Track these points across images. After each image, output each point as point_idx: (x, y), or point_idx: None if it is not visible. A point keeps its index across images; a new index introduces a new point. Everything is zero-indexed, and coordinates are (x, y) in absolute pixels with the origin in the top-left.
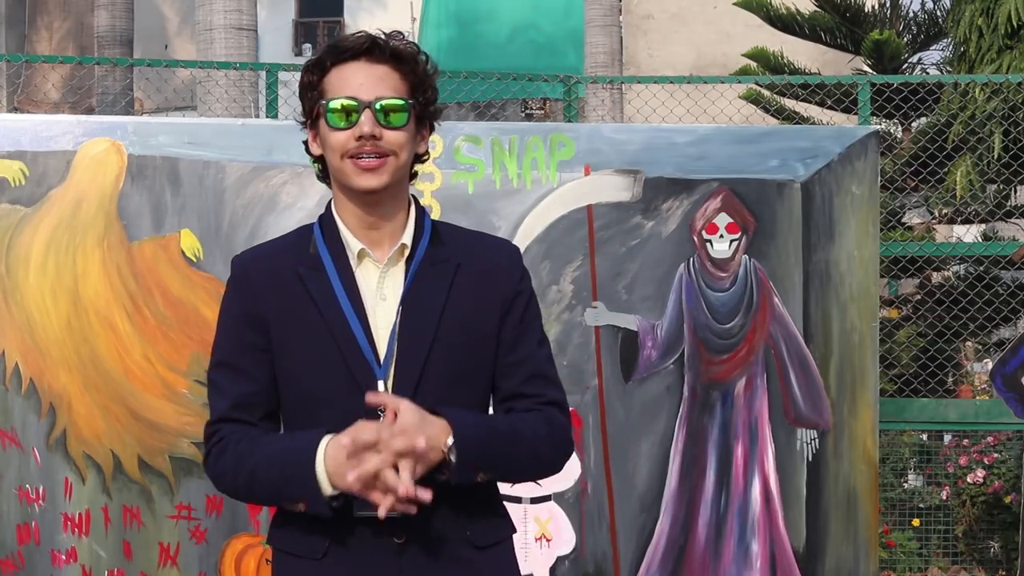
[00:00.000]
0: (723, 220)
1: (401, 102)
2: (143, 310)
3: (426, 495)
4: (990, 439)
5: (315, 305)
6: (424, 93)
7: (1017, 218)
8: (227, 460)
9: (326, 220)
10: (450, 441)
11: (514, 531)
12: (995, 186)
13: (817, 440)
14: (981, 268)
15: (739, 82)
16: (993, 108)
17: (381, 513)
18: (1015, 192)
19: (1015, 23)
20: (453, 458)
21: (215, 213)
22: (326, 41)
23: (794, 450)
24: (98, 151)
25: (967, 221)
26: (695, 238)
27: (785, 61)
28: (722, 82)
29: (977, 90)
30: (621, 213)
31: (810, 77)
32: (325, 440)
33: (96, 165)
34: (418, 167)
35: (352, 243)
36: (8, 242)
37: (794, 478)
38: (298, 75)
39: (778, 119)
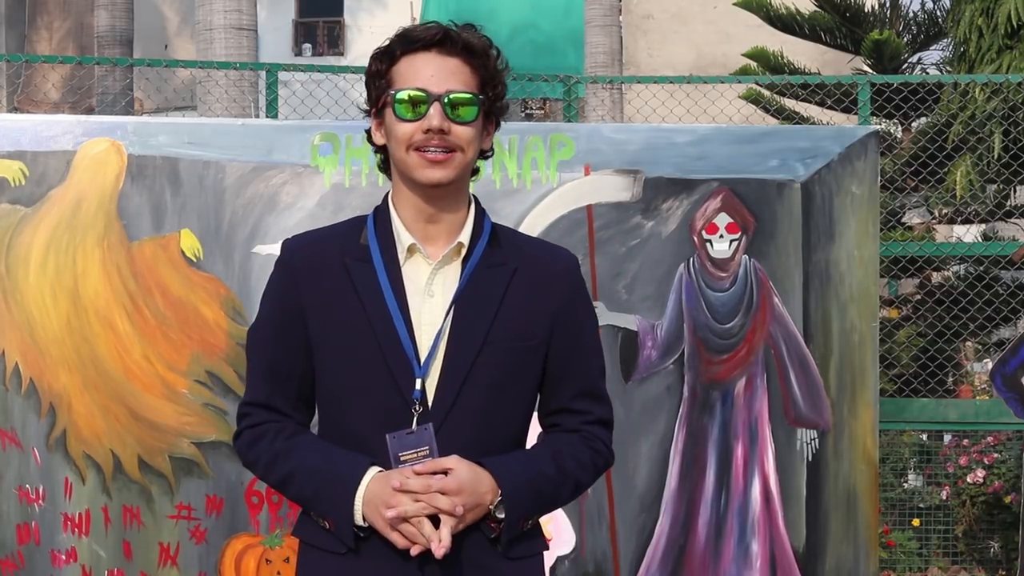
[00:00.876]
0: (723, 220)
1: (471, 96)
2: (143, 310)
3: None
4: (990, 439)
5: (358, 297)
6: (494, 88)
7: (1017, 218)
8: (261, 451)
9: (380, 212)
10: (498, 499)
11: (546, 547)
12: (995, 186)
13: (817, 440)
14: (981, 268)
15: (739, 82)
16: (993, 108)
17: (413, 552)
18: (1015, 192)
19: (1015, 23)
20: (501, 515)
21: (215, 213)
22: (326, 41)
23: (794, 450)
24: (98, 151)
25: (967, 221)
26: (695, 238)
27: (785, 61)
28: (722, 82)
29: (977, 90)
30: (621, 213)
31: (810, 77)
32: (370, 473)
33: (96, 165)
34: (480, 163)
35: (404, 237)
36: (8, 242)
37: (794, 478)
38: (298, 75)
39: (778, 119)
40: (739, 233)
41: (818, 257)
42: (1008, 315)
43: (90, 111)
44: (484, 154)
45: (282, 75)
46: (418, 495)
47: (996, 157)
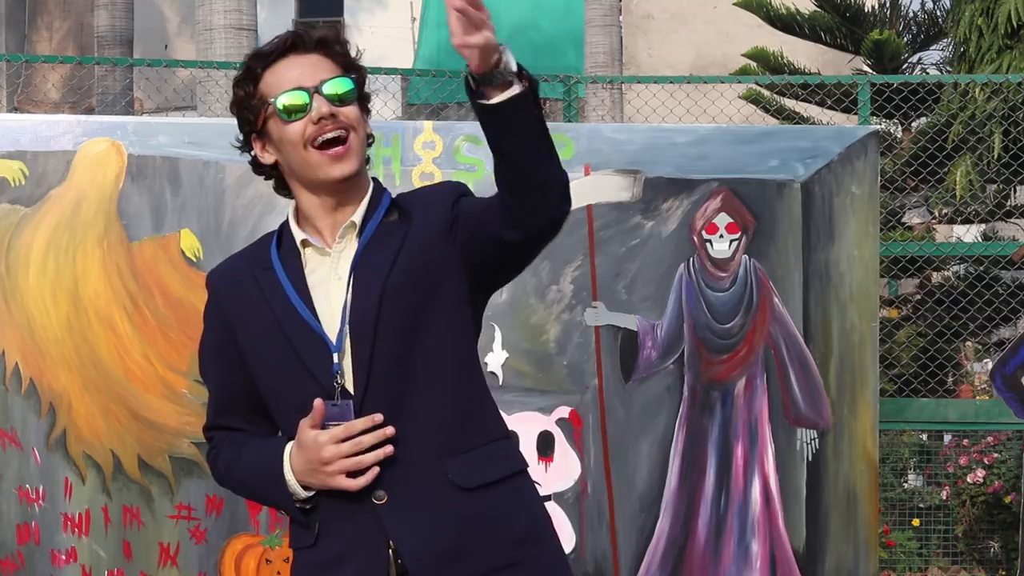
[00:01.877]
0: (723, 220)
1: (345, 79)
2: (143, 310)
3: (388, 450)
4: (990, 439)
5: (267, 302)
6: (358, 72)
7: (1017, 218)
8: (220, 467)
9: (284, 223)
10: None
11: (517, 469)
12: (995, 186)
13: (817, 440)
14: (981, 268)
15: (739, 82)
16: (993, 108)
17: (362, 481)
18: (1015, 192)
19: (1015, 23)
20: (507, 57)
21: (215, 213)
22: None
23: (794, 450)
24: (98, 151)
25: (967, 221)
26: (695, 238)
27: (785, 61)
28: (722, 82)
29: (977, 90)
30: (621, 213)
31: (810, 77)
32: (288, 447)
33: (96, 165)
34: (369, 152)
35: (296, 234)
36: (8, 242)
37: (794, 478)
38: None
39: (778, 119)
40: (739, 233)
41: (818, 257)
42: (1008, 315)
43: (90, 111)
44: (369, 139)
45: None
46: (343, 437)
47: (996, 157)
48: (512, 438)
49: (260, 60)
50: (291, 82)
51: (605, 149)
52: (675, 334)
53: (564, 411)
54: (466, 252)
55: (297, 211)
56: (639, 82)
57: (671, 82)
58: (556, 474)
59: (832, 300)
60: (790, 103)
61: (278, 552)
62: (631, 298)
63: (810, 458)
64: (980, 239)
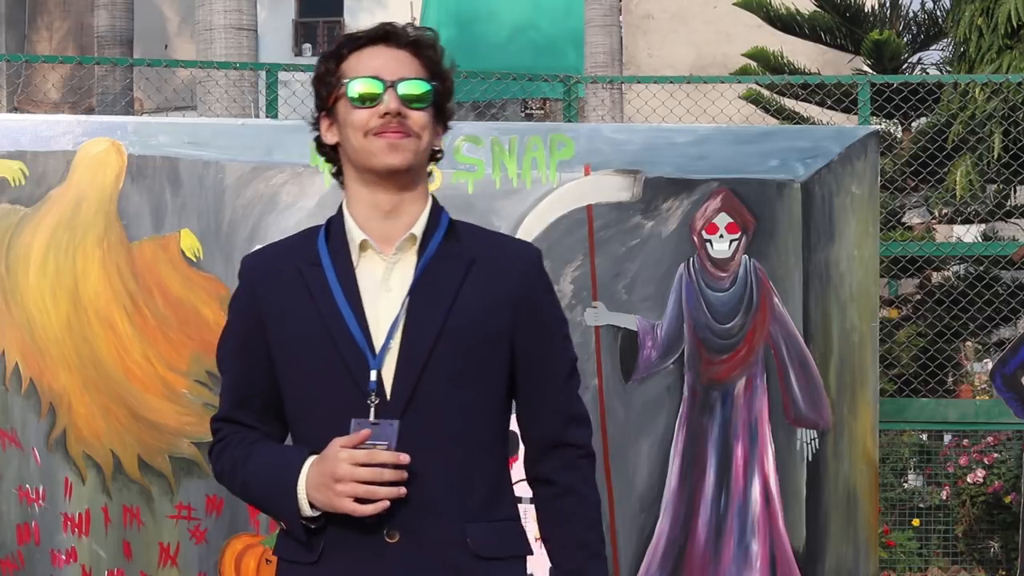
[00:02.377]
0: (723, 220)
1: (425, 83)
2: (143, 310)
3: (400, 491)
4: (990, 439)
5: (312, 300)
6: (443, 82)
7: (1017, 218)
8: (224, 463)
9: (335, 218)
10: None
11: (525, 552)
12: (995, 186)
13: (817, 440)
14: (981, 268)
15: (739, 82)
16: (993, 108)
17: (371, 510)
18: (1015, 192)
19: (1015, 23)
20: None
21: (215, 213)
22: (326, 41)
23: (794, 450)
24: (98, 151)
25: (967, 221)
26: (695, 238)
27: (785, 61)
28: (722, 82)
29: (977, 90)
30: (621, 213)
31: (810, 77)
32: (309, 461)
33: (96, 165)
34: (432, 167)
35: (355, 234)
36: (8, 242)
37: (794, 478)
38: (298, 75)
39: (778, 119)
40: (739, 233)
41: (818, 257)
42: (1008, 315)
43: (90, 111)
44: (435, 155)
45: (282, 75)
46: (364, 462)
47: (996, 157)
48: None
49: (350, 42)
50: (371, 70)
51: (605, 149)
52: (675, 334)
53: None
54: (511, 349)
55: (349, 206)
56: (639, 82)
57: (671, 82)
58: None
59: (832, 300)
60: (790, 103)
61: None
62: (631, 298)
63: (810, 458)
64: (980, 239)
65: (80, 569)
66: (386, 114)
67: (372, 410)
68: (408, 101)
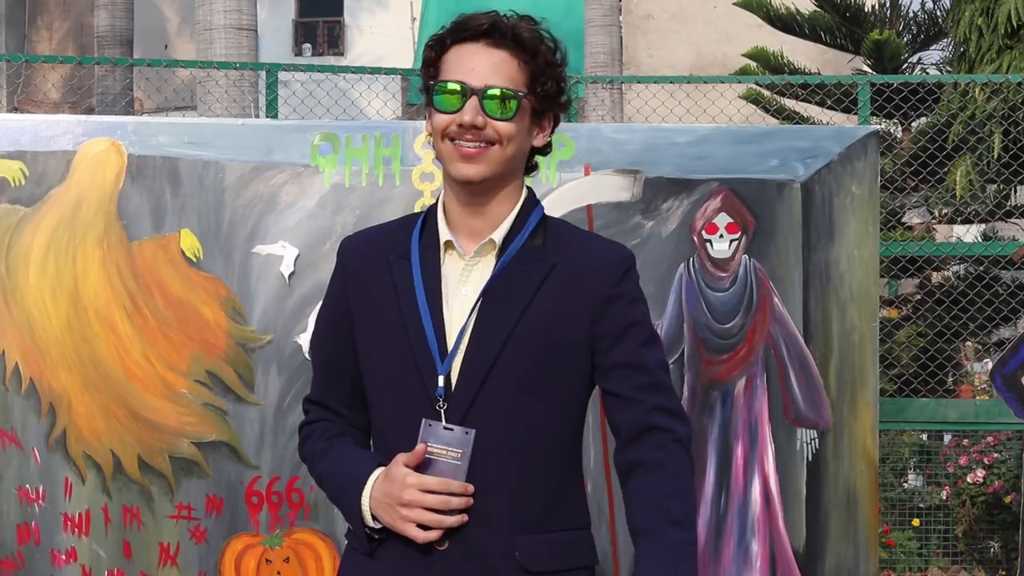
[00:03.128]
0: (723, 220)
1: (511, 93)
2: (143, 310)
3: (463, 518)
4: (990, 439)
5: (396, 294)
6: (544, 84)
7: (1017, 218)
8: (306, 452)
9: (432, 209)
10: None
11: (585, 564)
12: (995, 186)
13: (817, 440)
14: (981, 268)
15: (739, 82)
16: (993, 108)
17: (431, 536)
18: (1015, 192)
19: (1015, 23)
20: None
21: (215, 213)
22: (326, 41)
23: (794, 450)
24: (98, 151)
25: (967, 221)
26: (695, 238)
27: (785, 61)
28: (722, 82)
29: (977, 90)
30: (621, 213)
31: (810, 77)
32: (375, 474)
33: (96, 165)
34: (539, 159)
35: (442, 232)
36: (8, 242)
37: (794, 478)
38: (298, 75)
39: (778, 119)
40: (739, 233)
41: (818, 257)
42: (1008, 315)
43: (90, 111)
44: (540, 150)
45: (282, 75)
46: (434, 490)
47: (996, 157)
48: (590, 529)
49: (454, 33)
50: (460, 73)
51: (605, 149)
52: (675, 334)
53: None
54: (592, 353)
55: (444, 197)
56: (639, 82)
57: (671, 82)
58: None
59: (832, 300)
60: (790, 103)
61: (278, 552)
62: None
63: (810, 458)
64: (980, 239)
65: (80, 569)
66: (461, 124)
67: (443, 414)
68: (490, 112)
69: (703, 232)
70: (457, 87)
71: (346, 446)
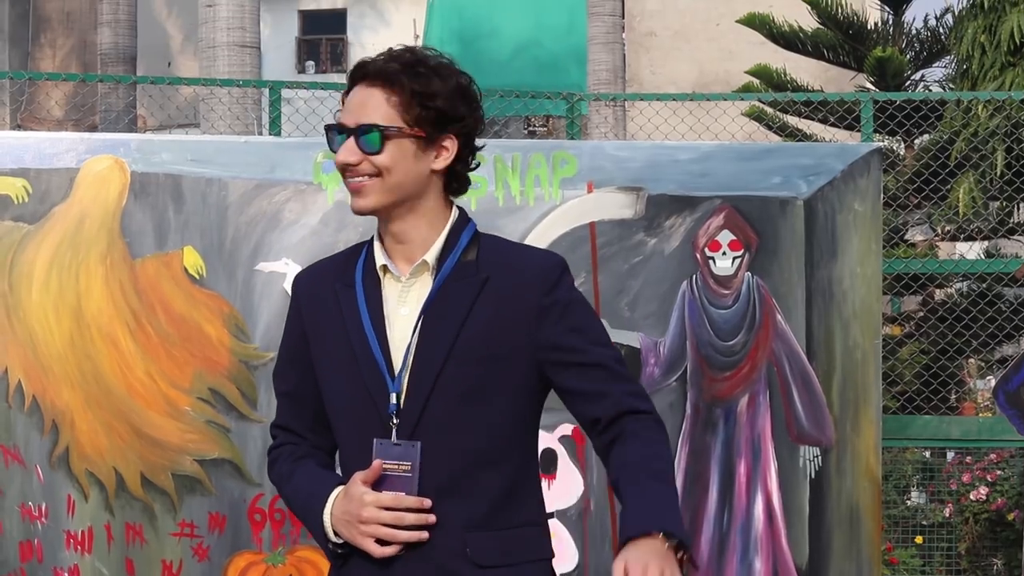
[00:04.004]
0: (726, 237)
1: (372, 127)
2: (146, 327)
3: (423, 535)
4: (993, 456)
5: (343, 321)
6: (411, 111)
7: (1020, 235)
8: (274, 475)
9: (373, 236)
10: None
11: (541, 557)
12: (998, 203)
13: (820, 457)
14: (984, 285)
15: (742, 99)
16: (996, 125)
17: (388, 552)
18: (1018, 209)
19: (1018, 40)
20: (687, 557)
21: (218, 230)
22: (329, 59)
23: (797, 467)
24: (101, 168)
25: (970, 238)
26: (698, 255)
27: (788, 78)
28: (725, 99)
29: (980, 107)
30: (624, 230)
31: (813, 94)
32: (335, 492)
33: (99, 182)
34: (481, 178)
35: (378, 258)
36: (11, 259)
37: (797, 495)
38: (301, 92)
39: (781, 136)
40: (742, 250)
41: (821, 274)
42: (1011, 332)
43: (93, 128)
44: (457, 172)
45: (285, 92)
46: (389, 506)
47: (999, 174)
48: (546, 524)
49: (350, 76)
50: (342, 114)
51: (608, 166)
52: (678, 351)
53: (567, 428)
54: (539, 363)
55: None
56: (642, 99)
57: (674, 99)
58: (559, 492)
59: (835, 317)
60: (793, 120)
61: (281, 570)
62: (634, 315)
63: (813, 475)
64: (983, 256)
65: None
66: (340, 164)
67: (394, 431)
68: (363, 147)
69: (706, 249)
70: (332, 129)
71: (308, 468)
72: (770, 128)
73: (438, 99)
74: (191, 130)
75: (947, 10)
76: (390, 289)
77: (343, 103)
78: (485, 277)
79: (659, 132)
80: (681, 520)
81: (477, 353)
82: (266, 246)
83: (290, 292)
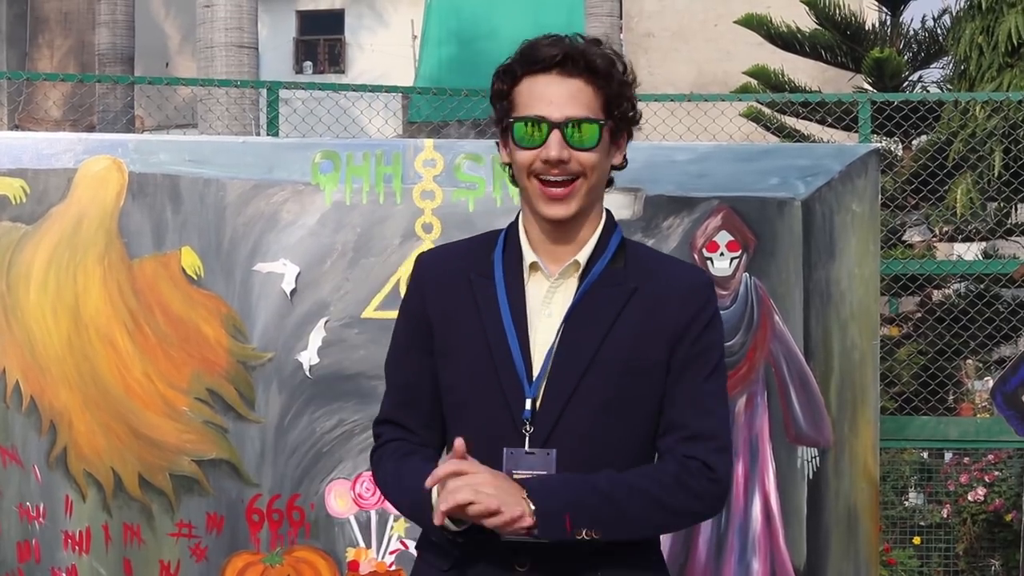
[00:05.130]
0: (724, 238)
1: (592, 122)
2: (144, 328)
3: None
4: (991, 457)
5: (478, 313)
6: (620, 106)
7: (1017, 236)
8: (380, 472)
9: (512, 227)
10: (524, 495)
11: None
12: (995, 204)
13: (818, 458)
14: (982, 286)
15: (739, 100)
16: (993, 126)
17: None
18: (1015, 210)
19: (1015, 41)
20: (533, 506)
21: (216, 231)
22: (327, 59)
23: (795, 468)
24: (99, 169)
25: (967, 239)
26: (696, 256)
27: (785, 79)
28: (722, 100)
29: (977, 108)
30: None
31: (810, 95)
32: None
33: (97, 183)
34: (614, 174)
35: (527, 254)
36: (9, 260)
37: (794, 496)
38: (299, 93)
39: (779, 137)
40: (740, 251)
41: (819, 275)
42: (1009, 333)
43: (91, 129)
44: (618, 167)
45: (283, 93)
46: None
47: (996, 175)
48: (658, 545)
49: (524, 64)
50: (538, 107)
51: None
52: None
53: None
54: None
55: (523, 219)
56: (640, 100)
57: (672, 100)
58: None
59: (833, 318)
60: (791, 121)
61: (279, 570)
62: None
63: (811, 476)
64: (981, 257)
65: None
66: (547, 160)
67: (527, 439)
68: (573, 143)
69: (704, 250)
70: (536, 121)
71: (416, 462)
72: (768, 129)
73: (632, 95)
74: (189, 131)
75: (945, 11)
76: (535, 288)
77: (510, 91)
78: (634, 287)
79: (657, 133)
80: (565, 501)
81: (620, 365)
82: (264, 247)
83: (287, 290)
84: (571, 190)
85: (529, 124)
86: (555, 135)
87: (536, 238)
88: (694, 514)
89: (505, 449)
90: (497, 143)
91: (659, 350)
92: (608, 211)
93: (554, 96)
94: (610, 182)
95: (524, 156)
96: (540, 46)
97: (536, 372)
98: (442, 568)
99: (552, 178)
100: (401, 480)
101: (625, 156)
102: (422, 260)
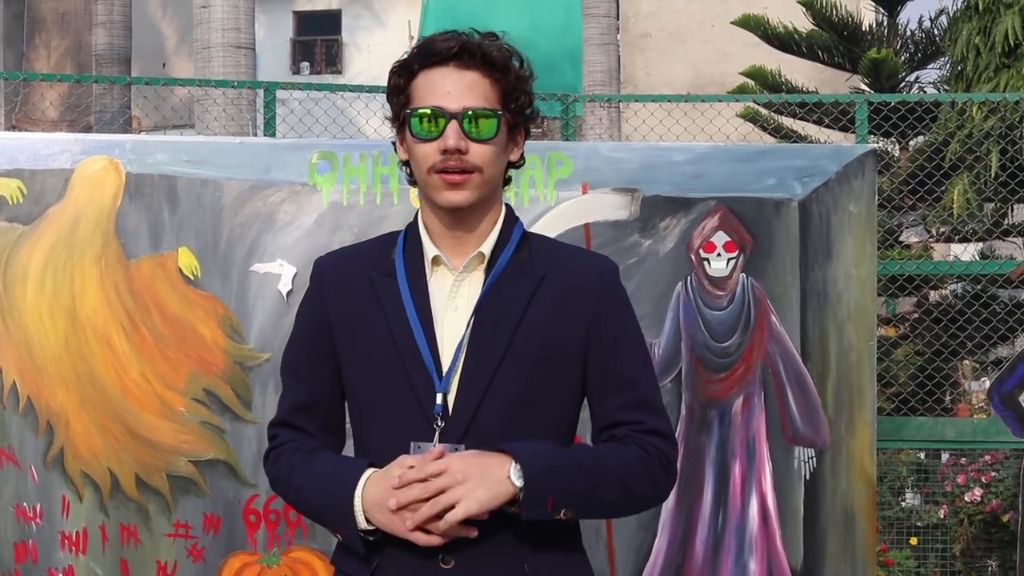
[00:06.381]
0: (720, 238)
1: (489, 112)
2: (140, 328)
3: (471, 532)
4: (988, 458)
5: (382, 312)
6: (517, 100)
7: (1014, 236)
8: (280, 469)
9: (411, 226)
10: (514, 470)
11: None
12: (992, 204)
13: (814, 458)
14: (979, 287)
15: (736, 100)
16: (990, 127)
17: (423, 541)
18: (1012, 210)
19: (1012, 42)
20: (520, 484)
21: (213, 231)
22: (324, 60)
23: (791, 468)
24: (96, 169)
25: (964, 239)
26: (692, 256)
27: (782, 79)
28: (719, 100)
29: (974, 109)
30: (618, 232)
31: (807, 95)
32: (367, 474)
33: (94, 183)
34: (511, 172)
35: (428, 248)
36: (6, 260)
37: (791, 496)
38: (296, 93)
39: (775, 137)
40: (737, 251)
41: (815, 275)
42: (1005, 334)
43: (88, 129)
44: (515, 164)
45: (280, 93)
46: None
47: (993, 175)
48: (580, 532)
49: (421, 58)
50: (434, 98)
51: (603, 167)
52: (672, 353)
53: None
54: (584, 370)
55: (423, 215)
56: (637, 100)
57: (669, 100)
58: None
59: (830, 318)
60: (787, 121)
61: (275, 571)
62: None
63: (808, 476)
64: (977, 258)
65: None
66: (445, 150)
67: (437, 434)
68: (471, 134)
69: (700, 250)
70: (434, 112)
71: (328, 455)
72: (765, 129)
73: (529, 89)
74: (186, 131)
75: (942, 11)
76: (439, 282)
77: (407, 85)
78: (541, 275)
79: (654, 133)
80: (548, 468)
81: (533, 353)
82: (261, 247)
83: (284, 291)
84: (468, 178)
85: (426, 117)
86: (452, 125)
87: (437, 231)
88: (648, 502)
89: (412, 443)
90: (394, 142)
91: (575, 339)
92: (508, 204)
93: (451, 87)
94: (507, 180)
95: (422, 149)
96: (436, 40)
97: (446, 366)
98: (357, 571)
99: (450, 168)
100: (308, 471)
101: (523, 153)
102: (321, 264)
